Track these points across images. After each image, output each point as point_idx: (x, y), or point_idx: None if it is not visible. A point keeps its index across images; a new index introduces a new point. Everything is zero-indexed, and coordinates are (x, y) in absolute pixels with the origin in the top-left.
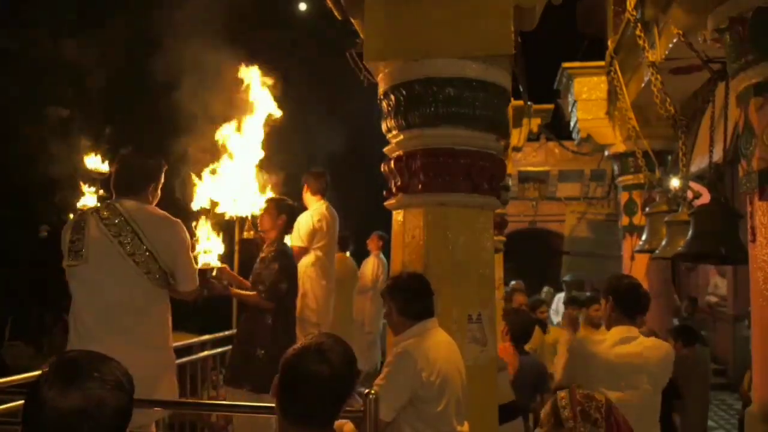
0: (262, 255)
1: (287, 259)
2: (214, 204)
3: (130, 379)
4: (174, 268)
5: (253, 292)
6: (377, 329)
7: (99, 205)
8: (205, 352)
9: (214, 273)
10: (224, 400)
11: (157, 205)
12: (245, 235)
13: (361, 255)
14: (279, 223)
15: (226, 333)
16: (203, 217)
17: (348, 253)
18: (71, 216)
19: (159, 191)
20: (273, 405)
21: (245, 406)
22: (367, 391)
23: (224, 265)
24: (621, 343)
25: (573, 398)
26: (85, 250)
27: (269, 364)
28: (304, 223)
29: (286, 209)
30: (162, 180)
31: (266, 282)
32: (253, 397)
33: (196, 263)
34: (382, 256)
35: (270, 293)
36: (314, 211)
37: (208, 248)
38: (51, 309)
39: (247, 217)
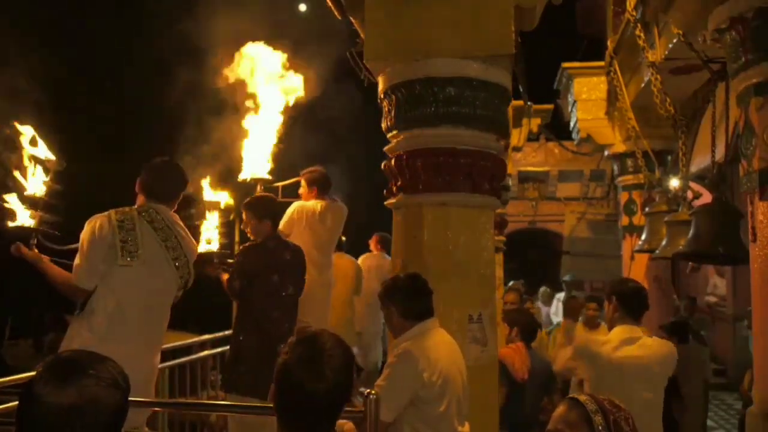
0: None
1: (246, 257)
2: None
3: (125, 378)
4: (191, 277)
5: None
6: (366, 328)
7: (138, 207)
8: (205, 352)
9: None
10: (224, 400)
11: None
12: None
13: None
14: (263, 228)
15: (226, 333)
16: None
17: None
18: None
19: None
20: (270, 405)
21: (244, 406)
22: (367, 391)
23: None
24: (625, 343)
25: (602, 405)
26: (141, 250)
27: (233, 363)
28: (288, 210)
29: (269, 215)
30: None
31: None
32: (225, 397)
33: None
34: (384, 254)
35: (226, 287)
36: (305, 204)
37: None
38: (51, 309)
39: (246, 179)
